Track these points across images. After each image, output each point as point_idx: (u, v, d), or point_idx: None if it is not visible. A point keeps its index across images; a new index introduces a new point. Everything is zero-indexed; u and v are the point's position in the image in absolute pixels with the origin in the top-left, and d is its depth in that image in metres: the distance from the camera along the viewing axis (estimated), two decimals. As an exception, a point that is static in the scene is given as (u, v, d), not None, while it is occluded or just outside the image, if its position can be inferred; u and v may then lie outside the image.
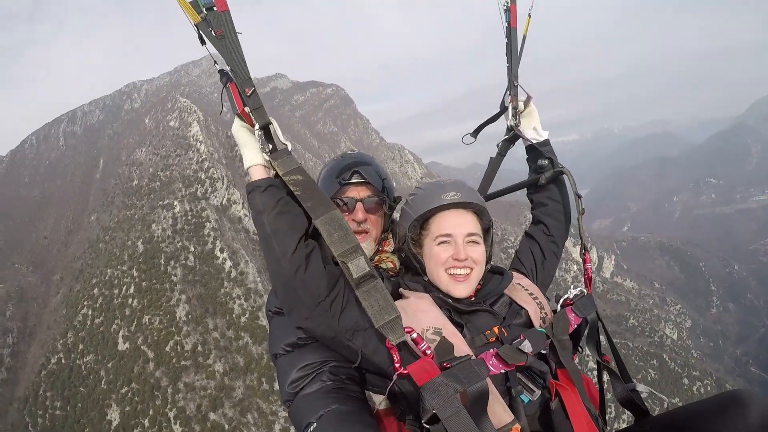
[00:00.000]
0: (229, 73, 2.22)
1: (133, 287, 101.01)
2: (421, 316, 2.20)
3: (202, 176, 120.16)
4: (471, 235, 2.47)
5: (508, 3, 3.36)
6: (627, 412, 2.49)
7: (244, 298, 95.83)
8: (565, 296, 2.53)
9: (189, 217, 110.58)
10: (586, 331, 2.55)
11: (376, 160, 3.02)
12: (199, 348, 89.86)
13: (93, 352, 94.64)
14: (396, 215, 2.97)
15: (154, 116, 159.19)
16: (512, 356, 2.11)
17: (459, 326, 2.28)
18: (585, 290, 2.60)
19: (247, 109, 2.26)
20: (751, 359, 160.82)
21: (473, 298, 2.47)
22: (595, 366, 2.71)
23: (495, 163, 3.56)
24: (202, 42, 2.26)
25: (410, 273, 2.64)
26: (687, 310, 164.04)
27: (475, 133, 3.65)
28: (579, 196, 2.88)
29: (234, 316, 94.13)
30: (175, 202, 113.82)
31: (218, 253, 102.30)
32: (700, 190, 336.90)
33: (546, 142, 3.21)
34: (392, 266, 2.73)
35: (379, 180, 2.89)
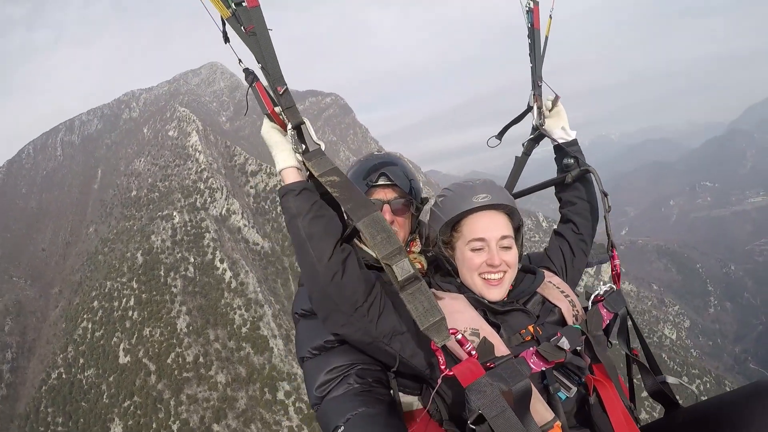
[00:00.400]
0: (258, 71, 2.18)
1: (133, 299, 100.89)
2: (457, 317, 2.17)
3: (201, 186, 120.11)
4: (504, 238, 2.44)
5: (530, 4, 3.35)
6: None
7: (244, 308, 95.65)
8: (596, 292, 2.49)
9: (188, 228, 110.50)
10: (617, 326, 2.56)
11: (403, 161, 2.96)
12: (201, 359, 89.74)
13: (94, 365, 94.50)
14: (424, 217, 2.96)
15: (153, 126, 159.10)
16: (552, 353, 2.10)
17: (495, 326, 2.27)
18: (614, 286, 2.56)
19: (277, 109, 2.22)
20: (750, 356, 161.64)
21: (506, 298, 2.46)
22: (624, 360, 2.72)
23: (520, 162, 3.54)
24: (226, 39, 2.23)
25: (439, 273, 2.60)
26: (685, 311, 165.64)
27: (500, 135, 3.61)
28: (605, 194, 2.86)
29: (235, 326, 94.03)
30: (174, 213, 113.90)
31: (218, 264, 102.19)
32: (696, 193, 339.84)
33: (573, 142, 3.21)
34: (420, 267, 2.67)
35: (406, 181, 2.85)
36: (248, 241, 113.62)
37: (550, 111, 3.28)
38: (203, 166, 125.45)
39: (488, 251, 2.40)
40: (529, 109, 3.36)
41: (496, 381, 1.79)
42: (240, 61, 2.21)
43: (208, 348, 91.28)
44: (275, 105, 2.23)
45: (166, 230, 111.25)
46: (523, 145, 3.51)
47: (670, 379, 2.60)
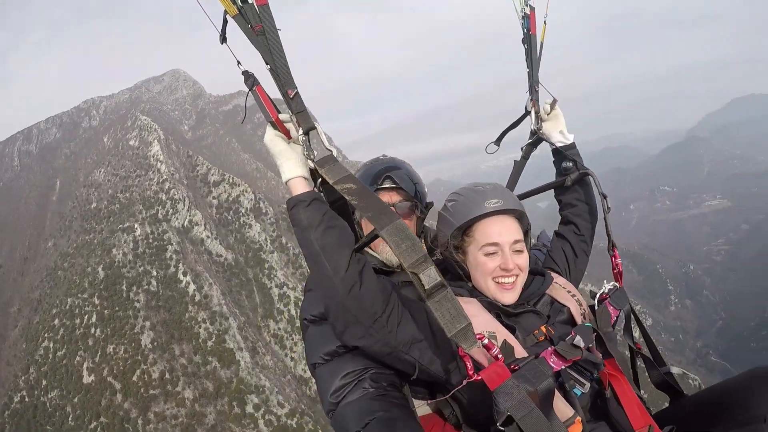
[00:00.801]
0: (264, 73, 2.09)
1: (95, 316, 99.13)
2: (473, 321, 2.04)
3: (163, 197, 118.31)
4: (516, 242, 2.48)
5: (527, 10, 3.37)
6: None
7: (209, 321, 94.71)
8: (601, 291, 2.59)
9: (150, 240, 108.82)
10: (623, 322, 2.67)
11: (408, 165, 3.00)
12: (167, 375, 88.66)
13: (57, 387, 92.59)
14: (430, 223, 3.00)
15: (113, 135, 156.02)
16: (570, 352, 2.16)
17: (510, 329, 2.30)
18: (617, 284, 2.67)
19: (282, 116, 2.17)
20: (711, 350, 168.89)
21: (517, 301, 2.50)
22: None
23: (519, 167, 3.60)
24: (223, 40, 2.14)
25: (447, 277, 2.57)
26: (647, 310, 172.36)
27: (498, 141, 3.66)
28: (605, 196, 2.96)
29: (200, 340, 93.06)
30: (136, 225, 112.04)
31: (181, 277, 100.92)
32: (656, 198, 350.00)
33: (572, 145, 3.27)
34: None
35: (412, 184, 2.87)
36: (211, 253, 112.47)
37: (548, 114, 3.33)
38: (165, 177, 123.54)
39: (502, 256, 2.44)
40: (527, 113, 3.43)
41: (522, 383, 1.83)
42: (239, 63, 2.14)
43: (174, 363, 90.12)
44: (279, 111, 2.17)
45: (128, 243, 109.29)
46: (521, 149, 3.57)
47: (674, 369, 2.74)
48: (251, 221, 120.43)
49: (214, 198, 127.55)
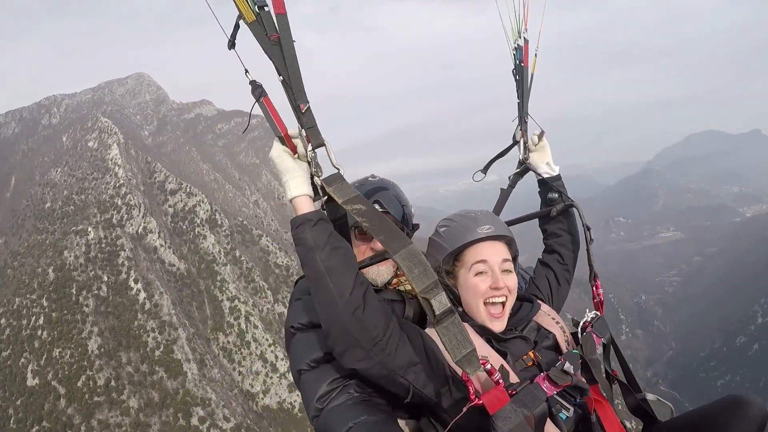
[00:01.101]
0: (277, 84, 2.06)
1: (42, 318, 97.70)
2: None
3: (119, 202, 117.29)
4: (505, 261, 2.55)
5: (520, 42, 3.45)
6: None
7: (158, 331, 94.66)
8: (584, 319, 2.63)
9: (103, 245, 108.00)
10: (601, 349, 2.67)
11: (396, 187, 3.01)
12: (113, 383, 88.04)
13: (0, 388, 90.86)
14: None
15: (73, 134, 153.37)
16: (561, 377, 2.17)
17: (502, 354, 2.35)
18: (598, 313, 2.72)
19: (291, 131, 2.15)
20: (661, 379, 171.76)
21: (506, 326, 2.54)
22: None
23: (505, 195, 3.65)
24: (231, 46, 2.08)
25: None
26: None
27: (485, 169, 3.67)
28: (588, 228, 3.10)
29: (148, 349, 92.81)
30: (89, 228, 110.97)
31: (132, 284, 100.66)
32: (610, 228, 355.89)
33: (557, 177, 3.38)
34: (411, 288, 2.61)
35: (400, 207, 2.88)
36: (164, 262, 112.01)
37: (536, 146, 3.43)
38: (122, 181, 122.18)
39: (492, 275, 2.49)
40: (515, 143, 3.51)
41: (519, 407, 1.89)
42: (246, 71, 2.07)
43: (120, 371, 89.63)
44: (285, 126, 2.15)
45: (80, 246, 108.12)
46: (509, 178, 3.66)
47: (649, 396, 2.80)
48: (206, 232, 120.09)
49: (170, 206, 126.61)
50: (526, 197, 3.43)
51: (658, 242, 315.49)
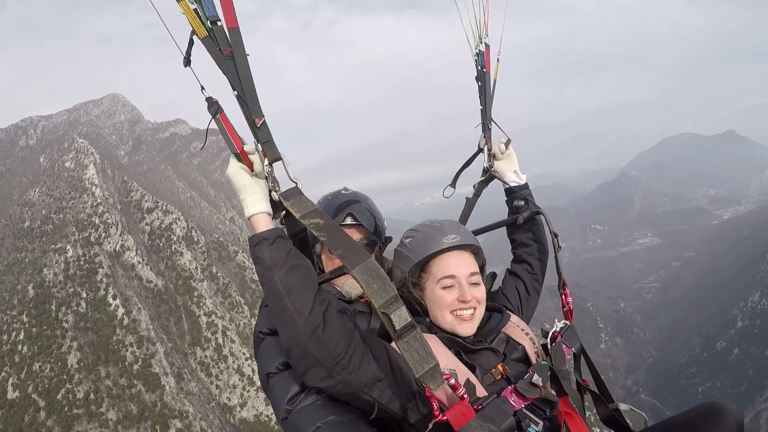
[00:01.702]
0: (229, 100, 2.04)
1: (23, 333, 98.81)
2: None
3: (96, 221, 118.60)
4: (473, 274, 2.50)
5: (481, 47, 3.40)
6: None
7: (136, 345, 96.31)
8: (553, 329, 2.57)
9: (81, 263, 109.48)
10: (571, 359, 2.64)
11: (369, 200, 3.00)
12: (92, 396, 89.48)
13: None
14: (386, 256, 2.95)
15: (50, 155, 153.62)
16: (529, 391, 2.11)
17: (470, 367, 2.30)
18: (568, 322, 2.67)
19: (247, 147, 2.12)
20: (641, 388, 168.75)
21: (475, 336, 2.50)
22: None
23: (471, 203, 3.59)
24: (187, 63, 2.08)
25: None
26: None
27: (454, 182, 3.61)
28: (555, 235, 3.05)
29: (127, 363, 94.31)
30: (68, 246, 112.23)
31: (111, 300, 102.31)
32: (587, 236, 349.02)
33: (525, 186, 3.34)
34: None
35: (372, 220, 2.87)
36: (142, 279, 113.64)
37: (503, 154, 3.38)
38: (99, 200, 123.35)
39: (459, 288, 2.45)
40: (480, 151, 3.47)
41: (485, 422, 1.82)
42: (203, 88, 2.07)
43: (99, 384, 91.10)
44: (245, 142, 2.13)
45: (59, 264, 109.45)
46: (474, 186, 3.62)
47: (622, 406, 2.76)
48: (183, 249, 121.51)
49: (147, 224, 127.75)
50: (499, 208, 3.36)
51: (635, 248, 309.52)
